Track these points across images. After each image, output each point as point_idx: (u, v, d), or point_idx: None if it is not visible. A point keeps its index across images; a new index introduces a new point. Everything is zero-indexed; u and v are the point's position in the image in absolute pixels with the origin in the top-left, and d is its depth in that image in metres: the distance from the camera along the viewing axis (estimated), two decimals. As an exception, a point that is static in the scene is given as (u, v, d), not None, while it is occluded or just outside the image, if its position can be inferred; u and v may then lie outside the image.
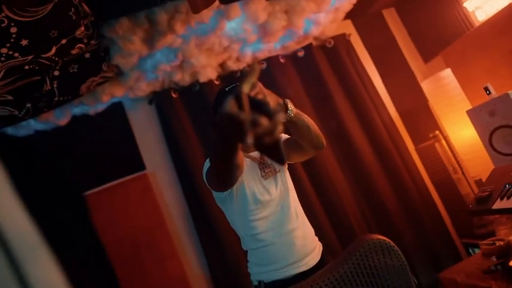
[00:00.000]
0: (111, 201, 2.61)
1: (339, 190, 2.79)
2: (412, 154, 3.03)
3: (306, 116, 1.33)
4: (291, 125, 1.30)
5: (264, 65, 3.00)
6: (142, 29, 2.05)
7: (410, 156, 3.01)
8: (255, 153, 1.50)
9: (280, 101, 1.25)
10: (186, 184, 2.73)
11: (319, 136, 1.37)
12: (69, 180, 2.58)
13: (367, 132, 3.03)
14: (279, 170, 1.47)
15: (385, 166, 2.97)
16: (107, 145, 2.74)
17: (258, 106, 0.66)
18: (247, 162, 1.44)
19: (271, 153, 0.72)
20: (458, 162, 2.74)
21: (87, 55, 2.08)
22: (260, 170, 1.44)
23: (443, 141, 2.77)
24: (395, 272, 1.36)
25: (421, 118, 3.12)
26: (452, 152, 2.76)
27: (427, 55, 3.24)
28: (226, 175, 1.17)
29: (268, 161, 1.47)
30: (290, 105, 1.25)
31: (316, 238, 1.50)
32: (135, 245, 2.57)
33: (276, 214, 1.39)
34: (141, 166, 2.78)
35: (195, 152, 2.75)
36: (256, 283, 1.44)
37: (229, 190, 1.36)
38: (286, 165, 1.54)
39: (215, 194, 1.42)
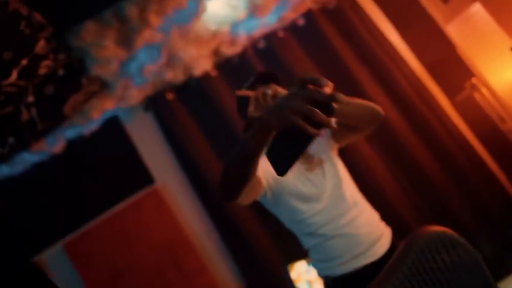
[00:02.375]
0: (125, 224, 2.41)
1: (372, 166, 2.47)
2: (447, 111, 2.64)
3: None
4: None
5: (263, 43, 2.67)
6: (113, 31, 1.78)
7: (445, 114, 2.63)
8: None
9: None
10: (201, 191, 2.49)
11: (367, 109, 1.20)
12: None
13: (391, 95, 2.66)
14: (325, 159, 1.34)
15: (419, 130, 2.60)
16: (109, 164, 2.53)
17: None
18: None
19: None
20: (505, 110, 2.34)
21: (61, 72, 1.84)
22: (303, 163, 1.32)
23: (483, 89, 2.37)
24: (467, 271, 1.06)
25: (452, 68, 2.71)
26: (496, 99, 2.36)
27: (446, -6, 2.80)
28: (236, 181, 0.99)
29: (313, 150, 1.34)
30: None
31: (383, 223, 1.37)
32: (159, 265, 2.36)
33: (330, 206, 1.29)
34: (149, 180, 2.55)
35: (204, 154, 2.49)
36: (324, 279, 1.36)
37: (266, 194, 1.24)
38: (335, 152, 1.40)
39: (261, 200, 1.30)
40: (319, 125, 0.64)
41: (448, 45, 2.73)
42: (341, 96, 0.64)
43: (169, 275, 2.34)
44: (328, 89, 0.66)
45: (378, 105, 1.24)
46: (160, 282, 2.32)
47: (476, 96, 2.40)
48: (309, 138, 0.66)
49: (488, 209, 2.50)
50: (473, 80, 2.38)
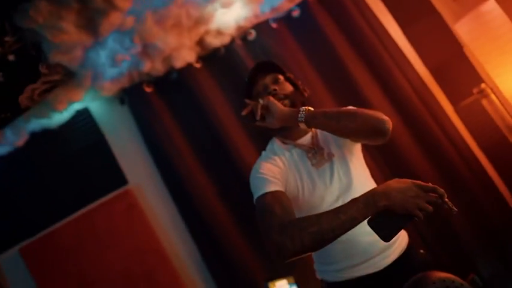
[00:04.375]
0: (92, 229, 2.18)
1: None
2: (452, 118, 2.42)
3: (337, 108, 1.22)
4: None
5: (253, 35, 2.42)
6: (72, 12, 1.53)
7: (449, 120, 2.40)
8: (306, 139, 1.32)
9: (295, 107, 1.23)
10: (177, 195, 2.26)
11: (367, 124, 1.11)
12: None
13: (390, 97, 2.42)
14: (337, 155, 1.27)
15: (418, 136, 2.38)
16: (77, 161, 2.28)
17: None
18: (293, 155, 1.28)
19: None
20: (515, 120, 2.13)
21: (11, 57, 1.58)
22: (310, 158, 1.26)
23: (492, 96, 2.15)
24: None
25: (458, 71, 2.48)
26: (506, 107, 2.14)
27: (455, -11, 2.56)
28: (326, 244, 0.97)
29: (321, 144, 1.30)
30: (302, 110, 1.15)
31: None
32: (129, 275, 2.14)
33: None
34: (122, 180, 2.31)
35: (182, 154, 2.26)
36: (321, 281, 1.34)
37: None
38: (354, 149, 1.32)
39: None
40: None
41: (455, 46, 2.50)
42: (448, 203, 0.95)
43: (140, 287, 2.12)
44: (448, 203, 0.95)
45: (383, 116, 1.14)
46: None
47: (484, 103, 2.18)
48: (412, 217, 0.90)
49: (490, 225, 2.30)
50: (483, 86, 2.15)
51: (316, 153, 1.27)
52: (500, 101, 2.15)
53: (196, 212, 2.21)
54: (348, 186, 1.23)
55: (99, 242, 2.16)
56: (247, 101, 1.29)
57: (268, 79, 1.33)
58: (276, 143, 1.34)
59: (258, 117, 1.23)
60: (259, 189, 1.12)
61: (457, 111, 2.45)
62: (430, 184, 0.93)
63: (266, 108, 1.22)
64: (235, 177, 2.23)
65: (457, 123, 2.43)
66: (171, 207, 2.28)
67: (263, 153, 1.37)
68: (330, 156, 1.27)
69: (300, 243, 0.92)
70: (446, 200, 0.91)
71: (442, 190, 0.92)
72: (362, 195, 0.96)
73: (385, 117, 1.13)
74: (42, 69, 1.71)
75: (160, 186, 2.29)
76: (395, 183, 0.96)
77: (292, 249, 0.92)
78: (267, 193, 1.09)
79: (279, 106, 1.21)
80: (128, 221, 2.21)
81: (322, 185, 1.23)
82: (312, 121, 1.13)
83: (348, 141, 1.30)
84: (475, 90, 2.19)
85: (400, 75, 2.41)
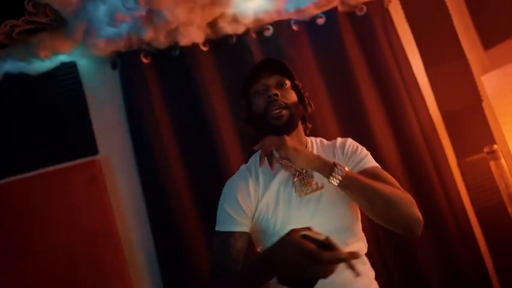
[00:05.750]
0: (43, 195, 1.96)
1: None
2: (452, 169, 2.28)
3: (377, 185, 1.03)
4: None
5: (270, 32, 2.24)
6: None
7: (450, 172, 2.26)
8: None
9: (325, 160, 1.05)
10: (146, 178, 2.06)
11: (401, 221, 1.02)
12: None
13: (396, 133, 2.27)
14: (326, 187, 1.10)
15: (416, 181, 2.23)
16: (49, 117, 2.07)
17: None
18: (277, 176, 1.13)
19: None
20: (519, 191, 1.99)
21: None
22: (296, 183, 1.11)
23: (502, 159, 2.01)
24: None
25: (471, 124, 2.34)
26: (513, 175, 2.01)
27: (489, 39, 2.42)
28: None
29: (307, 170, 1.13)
30: (341, 168, 1.01)
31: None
32: (72, 255, 1.93)
33: None
34: (92, 149, 2.11)
35: (162, 136, 2.07)
36: None
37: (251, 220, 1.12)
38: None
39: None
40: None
41: (475, 98, 2.37)
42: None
43: (80, 271, 1.92)
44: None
45: (419, 215, 1.03)
46: (65, 277, 1.89)
47: (492, 165, 2.04)
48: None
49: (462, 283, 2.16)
50: (495, 147, 2.01)
51: (304, 180, 1.12)
52: (509, 167, 2.01)
53: (162, 202, 2.02)
54: (331, 222, 1.08)
55: (49, 210, 1.94)
56: (257, 148, 1.11)
57: (272, 80, 1.16)
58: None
59: (272, 170, 1.08)
60: (220, 223, 1.11)
61: (460, 166, 2.31)
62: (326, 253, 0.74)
63: (286, 157, 1.05)
64: (213, 176, 2.05)
65: (457, 177, 2.29)
66: (136, 191, 2.08)
67: (242, 167, 1.22)
68: (319, 187, 1.11)
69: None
70: (350, 262, 0.75)
71: (343, 255, 0.74)
72: (258, 259, 0.92)
73: (420, 217, 1.03)
74: (28, 7, 1.51)
75: (131, 166, 2.09)
76: (283, 252, 0.78)
77: None
78: (224, 232, 1.08)
79: (302, 153, 1.04)
80: (87, 195, 2.00)
81: (301, 218, 1.07)
82: (348, 185, 1.00)
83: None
84: (486, 149, 2.05)
85: (411, 113, 2.26)
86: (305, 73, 2.19)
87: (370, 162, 1.18)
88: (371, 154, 1.23)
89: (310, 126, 1.29)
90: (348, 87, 2.25)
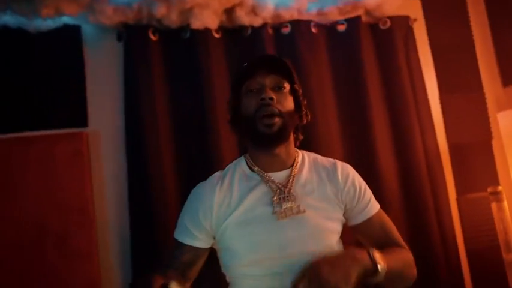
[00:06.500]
0: (24, 158, 1.85)
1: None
2: (451, 205, 2.19)
3: (401, 267, 0.98)
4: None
5: (288, 30, 2.14)
6: None
7: (448, 206, 2.17)
8: (280, 175, 1.03)
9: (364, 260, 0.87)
10: (133, 160, 1.94)
11: (404, 283, 1.02)
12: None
13: (400, 156, 2.16)
14: (304, 210, 0.97)
15: (412, 209, 2.13)
16: (42, 78, 1.96)
17: None
18: (255, 190, 1.00)
19: None
20: (517, 238, 1.90)
21: None
22: (275, 203, 0.97)
23: (505, 202, 1.92)
24: None
25: (477, 160, 2.25)
26: (513, 221, 1.92)
27: (510, 77, 2.33)
28: None
29: (296, 190, 1.00)
30: (379, 262, 0.87)
31: None
32: (42, 228, 1.82)
33: (277, 276, 0.93)
34: (82, 121, 1.99)
35: (158, 118, 1.96)
36: None
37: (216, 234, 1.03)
38: (339, 217, 1.05)
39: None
40: None
41: (485, 134, 2.28)
42: None
43: (48, 245, 1.81)
44: None
45: (415, 272, 1.03)
46: (32, 249, 1.78)
47: (493, 206, 1.95)
48: None
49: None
50: (499, 188, 1.92)
51: (284, 200, 0.97)
52: (510, 211, 1.92)
53: (145, 187, 1.92)
54: (308, 252, 0.91)
55: (26, 177, 1.83)
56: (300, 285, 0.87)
57: (269, 80, 1.00)
58: (242, 165, 1.07)
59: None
60: (178, 227, 1.07)
61: (459, 201, 2.22)
62: None
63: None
64: (203, 169, 1.93)
65: (454, 213, 2.20)
66: (121, 171, 1.96)
67: (217, 174, 1.10)
68: (300, 211, 0.97)
69: None
70: None
71: None
72: None
73: (416, 274, 1.03)
74: (36, -43, 1.41)
75: (120, 144, 1.98)
76: None
77: None
78: (176, 240, 1.05)
79: (340, 270, 0.82)
80: (68, 167, 1.89)
81: (274, 241, 0.94)
82: (385, 277, 0.89)
83: (342, 209, 1.03)
84: (489, 189, 1.96)
85: (419, 138, 2.17)
86: (316, 78, 2.09)
87: (374, 205, 1.08)
88: (371, 174, 1.15)
89: (301, 137, 1.13)
90: (357, 100, 2.16)
